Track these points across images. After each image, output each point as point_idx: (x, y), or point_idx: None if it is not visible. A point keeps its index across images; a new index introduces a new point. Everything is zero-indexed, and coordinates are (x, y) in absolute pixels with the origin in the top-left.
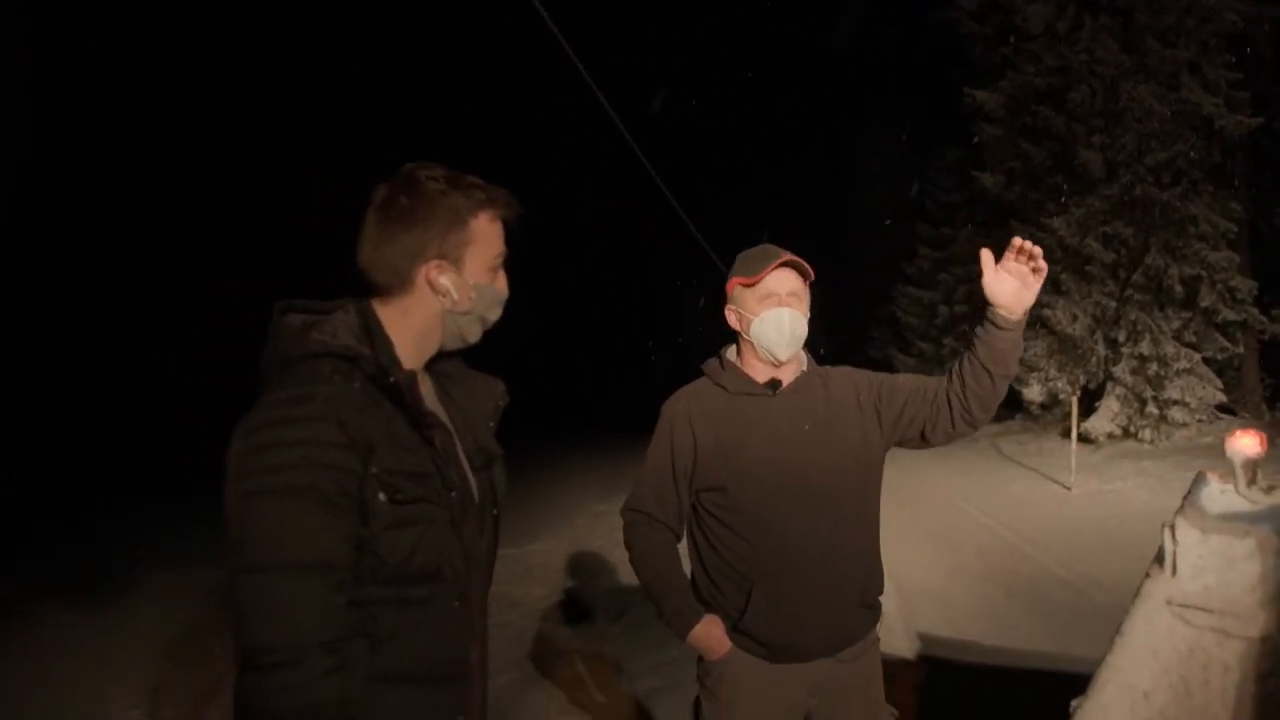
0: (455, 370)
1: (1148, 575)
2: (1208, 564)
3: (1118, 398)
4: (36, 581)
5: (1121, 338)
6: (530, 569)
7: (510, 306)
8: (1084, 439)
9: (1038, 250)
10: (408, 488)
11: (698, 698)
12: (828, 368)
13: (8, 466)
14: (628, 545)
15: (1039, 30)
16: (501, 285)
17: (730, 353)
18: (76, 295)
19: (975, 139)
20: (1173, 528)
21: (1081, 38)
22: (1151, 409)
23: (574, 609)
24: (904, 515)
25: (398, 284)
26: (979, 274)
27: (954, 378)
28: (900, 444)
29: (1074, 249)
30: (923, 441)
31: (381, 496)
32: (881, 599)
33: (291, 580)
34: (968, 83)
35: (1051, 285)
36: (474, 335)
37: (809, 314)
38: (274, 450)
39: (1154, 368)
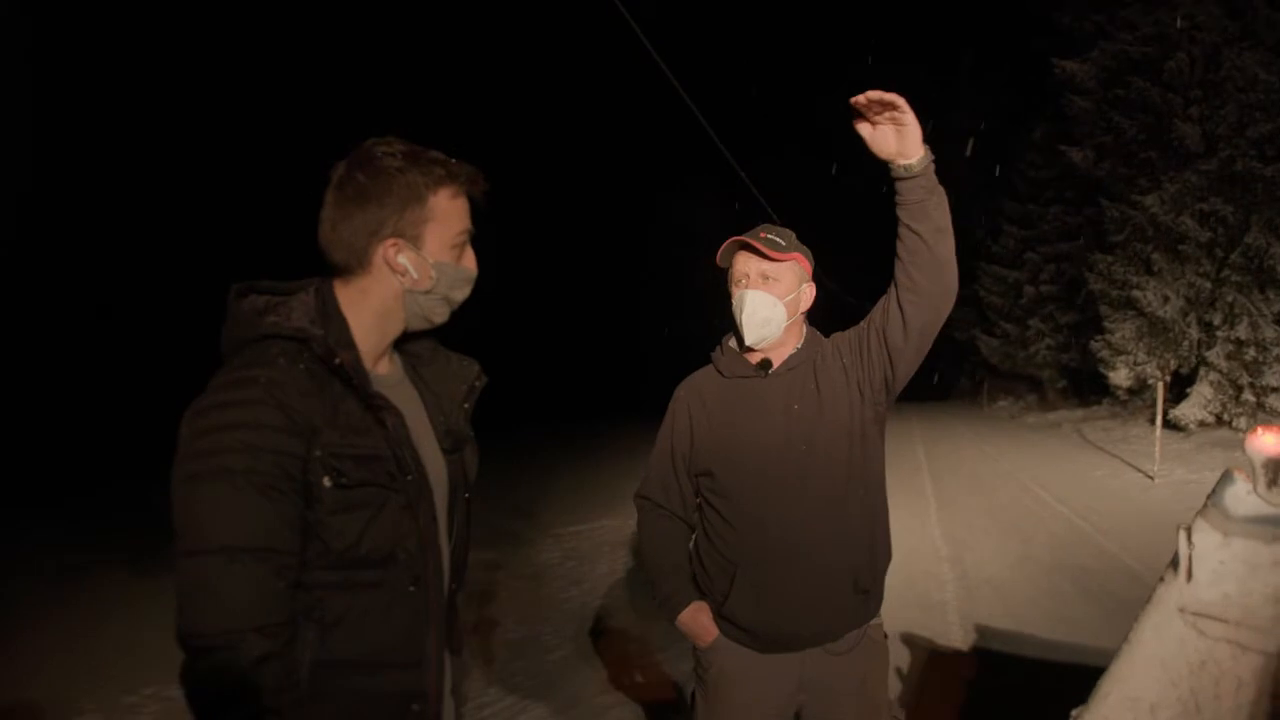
0: (427, 351)
1: (1161, 580)
2: (1229, 570)
3: (1211, 383)
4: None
5: (1217, 320)
6: (598, 545)
7: (576, 294)
8: (1173, 426)
9: (888, 96)
10: (354, 471)
11: (693, 689)
12: (831, 337)
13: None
14: (638, 531)
15: None
16: (469, 263)
17: (731, 337)
18: (97, 282)
19: (1064, 112)
20: (1189, 530)
21: (1182, 2)
22: (1248, 396)
23: (632, 587)
24: (974, 502)
25: (356, 263)
26: (1065, 253)
27: (894, 267)
28: (881, 388)
29: (1167, 227)
30: (890, 367)
31: (326, 481)
32: (883, 584)
33: (226, 564)
34: (1056, 53)
35: (1142, 265)
36: (439, 316)
37: (792, 294)
38: (214, 434)
39: (1251, 352)
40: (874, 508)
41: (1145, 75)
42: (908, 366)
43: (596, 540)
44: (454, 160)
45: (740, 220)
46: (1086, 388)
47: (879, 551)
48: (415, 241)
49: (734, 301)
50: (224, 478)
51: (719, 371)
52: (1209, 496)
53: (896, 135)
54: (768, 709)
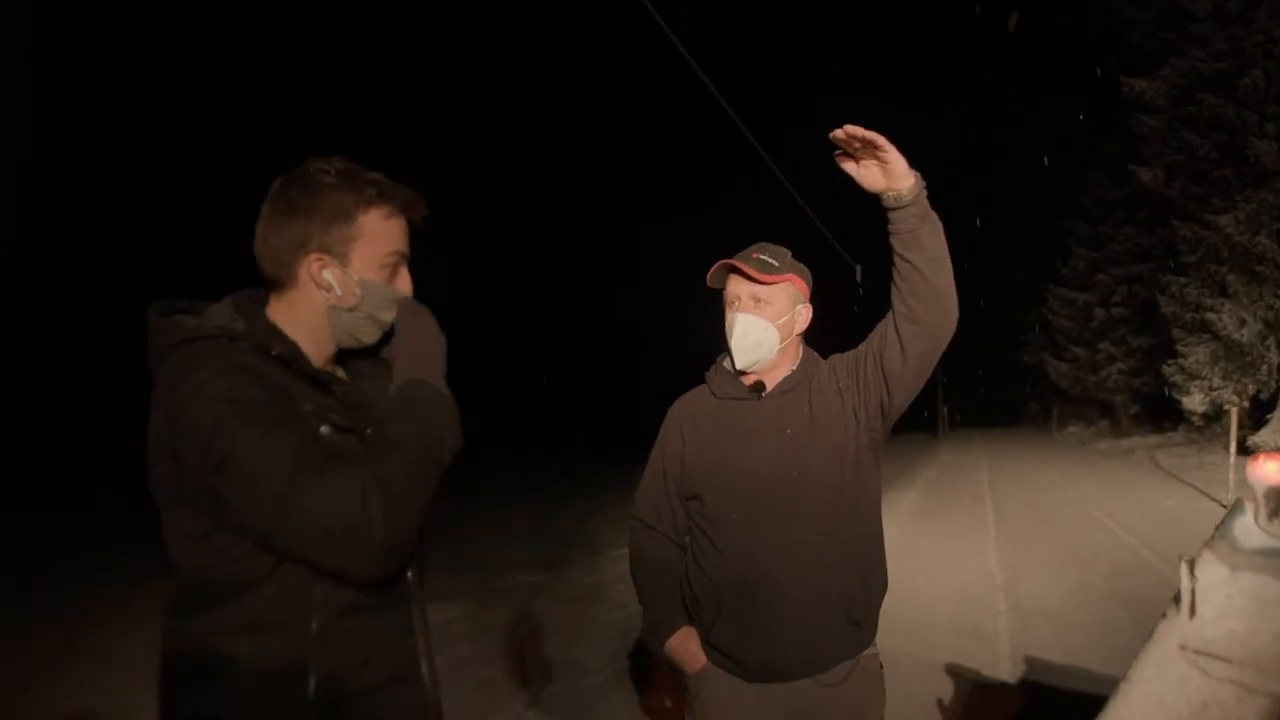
0: (368, 367)
1: (1164, 615)
2: (1236, 606)
3: None
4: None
5: None
6: None
7: (625, 323)
8: (1251, 453)
9: (861, 132)
10: (344, 419)
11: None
12: (829, 359)
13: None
14: (629, 552)
15: (1206, 11)
16: (402, 284)
17: (725, 356)
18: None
19: (1134, 132)
20: (1191, 562)
21: (1258, 16)
22: None
23: None
24: (1035, 530)
25: (284, 276)
26: (1136, 275)
27: (891, 295)
28: (877, 414)
29: (1243, 247)
30: (887, 393)
31: (324, 428)
32: (878, 614)
33: (306, 485)
34: (1126, 72)
35: (1217, 287)
36: (368, 335)
37: (785, 317)
38: (211, 409)
39: None
40: (868, 536)
41: (1218, 92)
42: (905, 394)
43: None
44: (392, 183)
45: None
46: (1161, 413)
47: (873, 582)
48: (341, 258)
49: (726, 324)
50: (248, 425)
51: (712, 392)
52: (1217, 528)
53: (881, 170)
54: None
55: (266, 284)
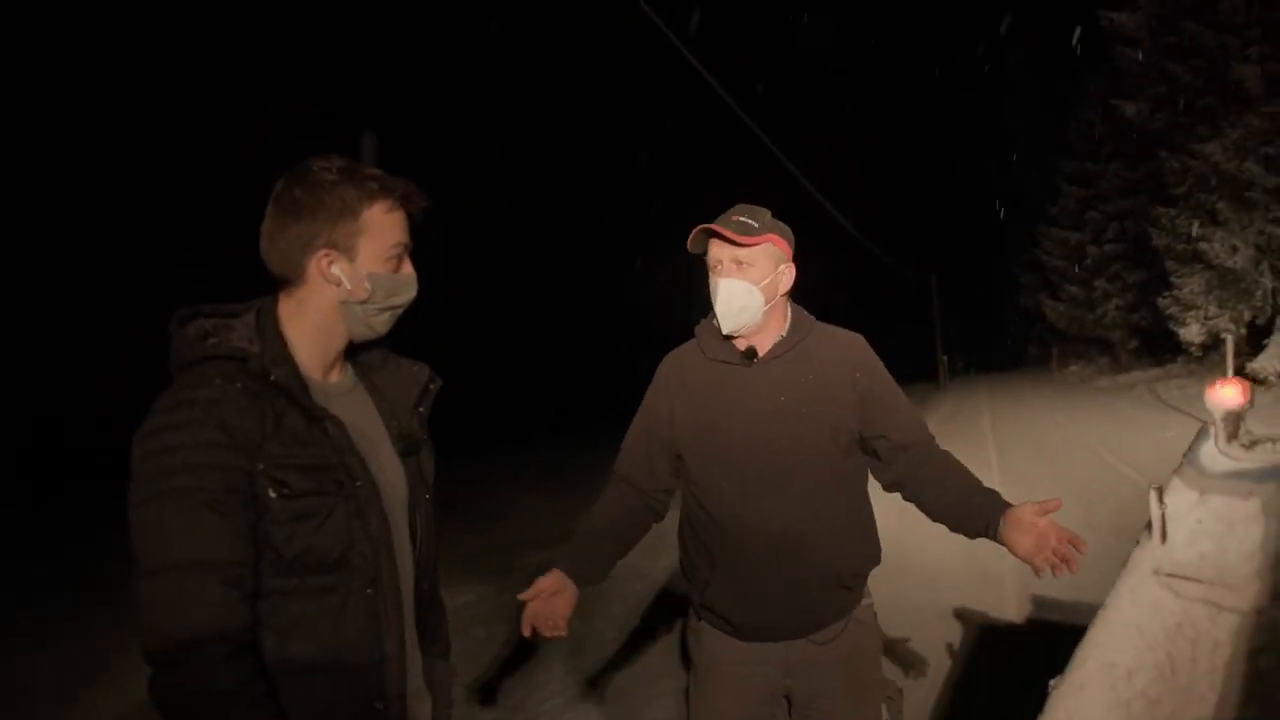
0: (378, 358)
1: (1137, 543)
2: (1206, 528)
3: None
4: None
5: None
6: (662, 537)
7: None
8: (1253, 379)
9: (1074, 558)
10: (299, 481)
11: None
12: (827, 331)
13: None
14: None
15: None
16: (406, 273)
17: (714, 315)
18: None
19: (1116, 66)
20: (1160, 490)
21: None
22: None
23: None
24: (1040, 470)
25: (293, 275)
26: (1127, 210)
27: (914, 482)
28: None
29: (1230, 175)
30: (861, 435)
31: (271, 493)
32: (865, 578)
33: (181, 579)
34: (1105, 4)
35: (1208, 216)
36: (382, 325)
37: (768, 278)
38: (160, 456)
39: None
40: (857, 512)
41: (1199, 18)
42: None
43: (660, 532)
44: (391, 177)
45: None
46: (1160, 347)
47: (863, 552)
48: (349, 253)
49: (710, 289)
50: (172, 497)
51: (703, 351)
52: (1185, 454)
53: (1032, 549)
54: (754, 693)
55: (276, 284)
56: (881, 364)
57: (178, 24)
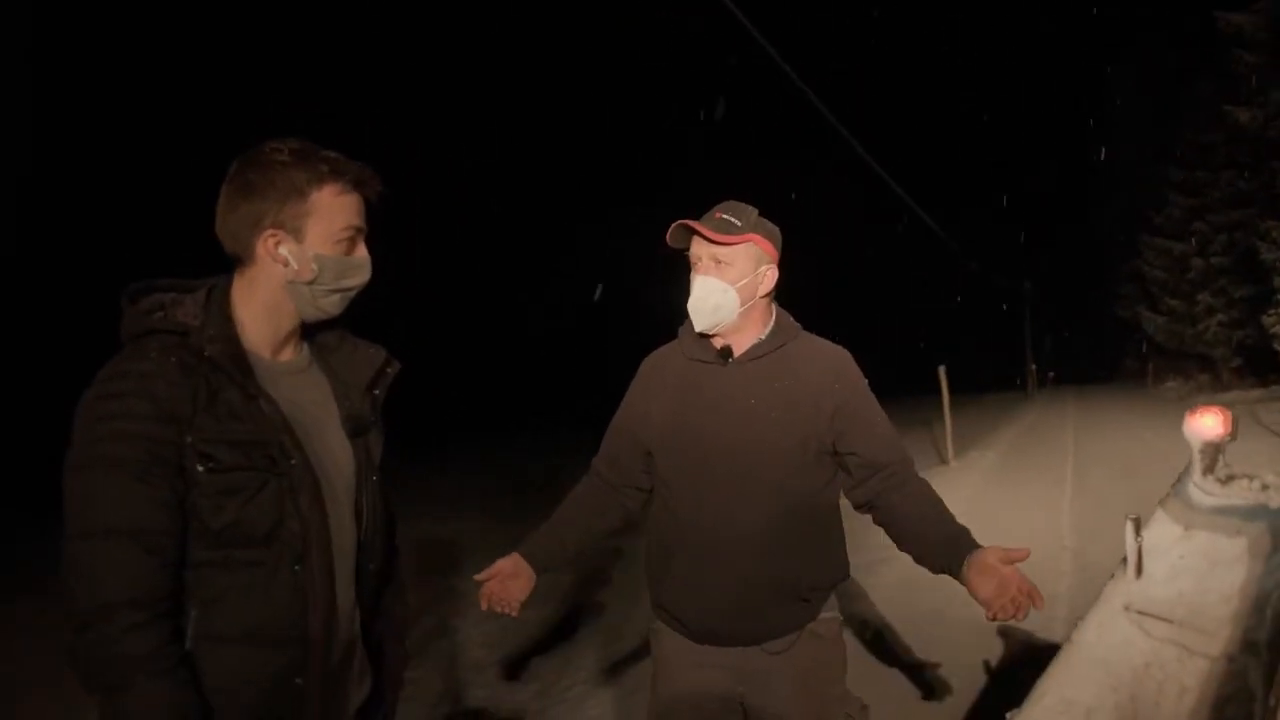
0: (335, 340)
1: (1112, 576)
2: (1188, 565)
3: None
4: None
5: None
6: None
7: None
8: None
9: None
10: (228, 456)
11: None
12: (812, 342)
13: None
14: None
15: None
16: (359, 256)
17: None
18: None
19: (1231, 70)
20: (1137, 521)
21: None
22: None
23: None
24: (1116, 490)
25: (243, 253)
26: (1237, 222)
27: (884, 506)
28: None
29: None
30: (833, 448)
31: (198, 466)
32: (828, 592)
33: (100, 544)
34: (1220, 6)
35: None
36: (332, 306)
37: (746, 278)
38: (93, 425)
39: None
40: (823, 527)
41: None
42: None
43: None
44: (345, 160)
45: None
46: (1264, 366)
47: (827, 563)
48: (296, 234)
49: (690, 284)
50: (100, 465)
51: (682, 350)
52: (1173, 485)
53: (992, 596)
54: (706, 696)
55: (232, 263)
56: (864, 381)
57: (178, 24)
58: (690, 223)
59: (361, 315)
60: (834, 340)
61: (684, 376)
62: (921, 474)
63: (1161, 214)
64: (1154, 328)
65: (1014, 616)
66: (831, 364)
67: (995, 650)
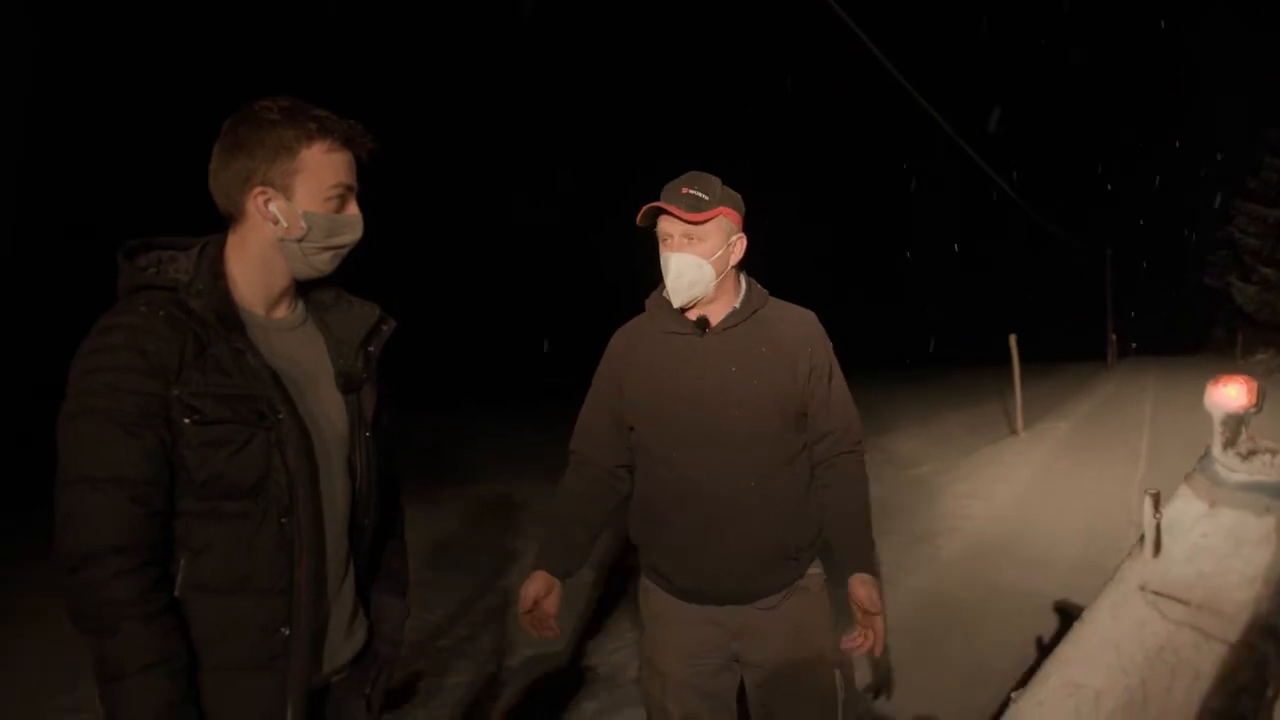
0: (330, 298)
1: (1129, 554)
2: (1210, 545)
3: None
4: None
5: None
6: None
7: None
8: None
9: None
10: (214, 409)
11: None
12: (782, 306)
13: None
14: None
15: None
16: (350, 214)
17: (664, 287)
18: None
19: None
20: (1156, 497)
21: None
22: None
23: None
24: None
25: (235, 211)
26: None
27: (823, 485)
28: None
29: None
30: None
31: (185, 419)
32: (814, 549)
33: (88, 492)
34: None
35: None
36: (324, 264)
37: (720, 251)
38: (84, 378)
39: None
40: (805, 479)
41: None
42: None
43: None
44: (335, 117)
45: None
46: None
47: (811, 524)
48: (285, 191)
49: (661, 262)
50: (89, 415)
51: (654, 323)
52: (1199, 460)
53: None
54: (701, 651)
55: (224, 221)
56: (830, 344)
57: (178, 24)
58: (663, 203)
59: (416, 293)
60: (921, 311)
61: (660, 348)
62: (990, 445)
63: (1257, 178)
64: (1244, 297)
65: (856, 652)
66: (804, 330)
67: (1049, 626)
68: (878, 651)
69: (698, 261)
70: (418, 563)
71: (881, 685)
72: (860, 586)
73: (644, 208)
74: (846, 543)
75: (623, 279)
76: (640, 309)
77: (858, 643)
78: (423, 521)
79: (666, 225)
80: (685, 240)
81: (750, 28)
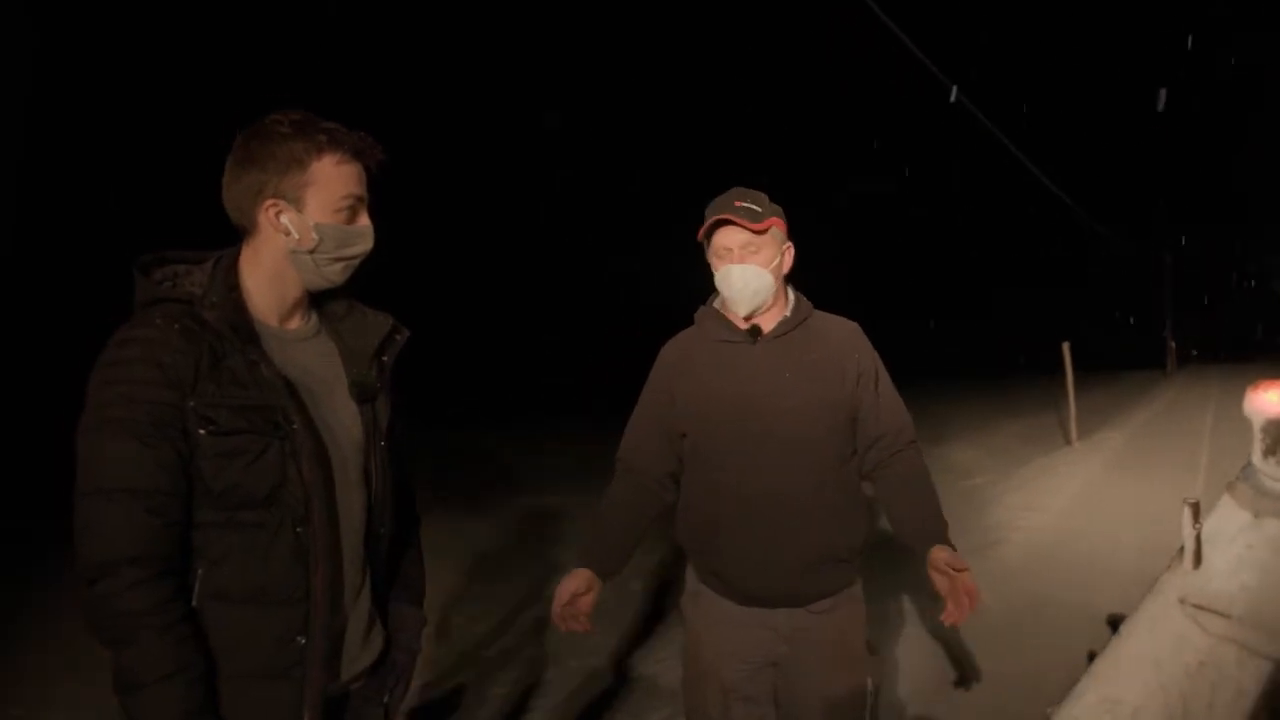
0: (343, 308)
1: (1168, 567)
2: (1255, 557)
3: None
4: None
5: None
6: None
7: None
8: None
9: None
10: (229, 420)
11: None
12: (825, 317)
13: None
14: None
15: None
16: (361, 225)
17: (716, 299)
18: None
19: None
20: (1195, 507)
21: None
22: None
23: None
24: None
25: (247, 224)
26: None
27: (881, 479)
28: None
29: None
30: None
31: (200, 430)
32: (860, 554)
33: (105, 503)
34: None
35: None
36: (336, 275)
37: (776, 260)
38: (101, 390)
39: None
40: (852, 490)
41: None
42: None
43: None
44: (345, 130)
45: None
46: None
47: (861, 528)
48: (296, 203)
49: (719, 276)
50: (107, 427)
51: (706, 334)
52: (1242, 469)
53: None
54: (749, 656)
55: (238, 234)
56: (876, 353)
57: (178, 24)
58: (725, 214)
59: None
60: (972, 322)
61: (713, 357)
62: (1044, 456)
63: None
64: None
65: (959, 619)
66: (850, 337)
67: (1101, 640)
68: (972, 607)
69: (759, 271)
70: (463, 575)
71: (930, 696)
72: (941, 551)
73: (709, 220)
74: (920, 519)
75: (657, 298)
76: (659, 320)
77: (954, 615)
78: (468, 533)
79: (725, 239)
80: (746, 252)
81: (789, 29)
